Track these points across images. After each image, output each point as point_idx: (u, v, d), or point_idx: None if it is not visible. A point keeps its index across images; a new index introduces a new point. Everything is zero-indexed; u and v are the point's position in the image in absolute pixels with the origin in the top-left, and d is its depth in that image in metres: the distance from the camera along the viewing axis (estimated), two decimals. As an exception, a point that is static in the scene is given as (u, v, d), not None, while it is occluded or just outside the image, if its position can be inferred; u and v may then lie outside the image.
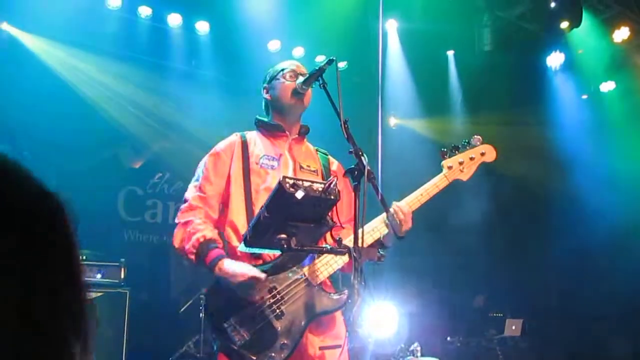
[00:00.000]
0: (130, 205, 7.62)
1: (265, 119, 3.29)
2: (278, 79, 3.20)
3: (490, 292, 8.68)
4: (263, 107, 3.34)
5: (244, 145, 3.17)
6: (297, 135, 3.27)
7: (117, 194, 7.57)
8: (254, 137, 3.23)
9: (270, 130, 3.25)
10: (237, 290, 2.82)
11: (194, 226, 2.99)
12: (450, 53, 8.69)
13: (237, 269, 2.83)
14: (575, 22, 7.74)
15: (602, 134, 8.67)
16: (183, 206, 3.09)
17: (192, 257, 2.94)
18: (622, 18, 8.09)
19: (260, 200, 2.96)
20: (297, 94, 3.12)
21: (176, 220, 3.08)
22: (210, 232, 2.98)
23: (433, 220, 6.92)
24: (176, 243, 3.03)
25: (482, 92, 8.40)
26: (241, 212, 3.04)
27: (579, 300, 8.18)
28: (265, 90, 3.28)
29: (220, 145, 3.19)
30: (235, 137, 3.22)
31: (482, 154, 3.28)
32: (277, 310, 2.85)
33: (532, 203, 8.86)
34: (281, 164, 3.15)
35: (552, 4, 7.65)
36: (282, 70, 3.21)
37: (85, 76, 7.24)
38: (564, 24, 7.77)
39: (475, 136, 3.26)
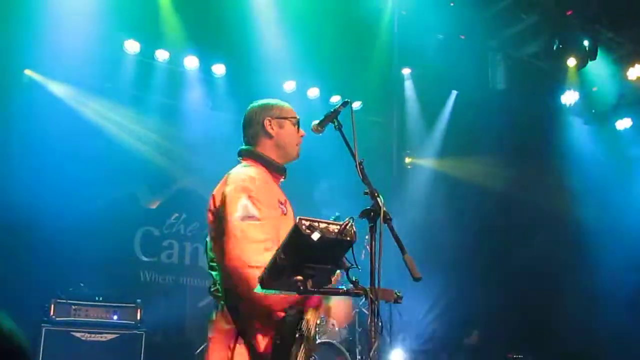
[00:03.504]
0: (146, 246, 7.63)
1: (270, 158, 3.10)
2: (291, 123, 3.14)
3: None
4: (255, 135, 3.12)
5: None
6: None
7: (133, 234, 7.59)
8: (263, 176, 3.02)
9: (272, 171, 3.10)
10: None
11: None
12: (453, 92, 8.72)
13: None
14: (583, 60, 7.75)
15: (618, 170, 8.60)
16: (256, 247, 2.74)
17: (284, 305, 2.74)
18: (636, 56, 8.11)
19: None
20: (298, 145, 3.13)
21: (252, 264, 2.69)
22: None
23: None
24: (254, 285, 2.55)
25: (496, 130, 8.39)
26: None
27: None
28: (268, 122, 3.09)
29: (250, 185, 2.91)
30: (254, 174, 2.97)
31: None
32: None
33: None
34: (288, 210, 3.08)
35: (556, 43, 7.65)
36: (295, 117, 3.15)
37: (104, 118, 7.35)
38: (571, 62, 7.80)
39: None
